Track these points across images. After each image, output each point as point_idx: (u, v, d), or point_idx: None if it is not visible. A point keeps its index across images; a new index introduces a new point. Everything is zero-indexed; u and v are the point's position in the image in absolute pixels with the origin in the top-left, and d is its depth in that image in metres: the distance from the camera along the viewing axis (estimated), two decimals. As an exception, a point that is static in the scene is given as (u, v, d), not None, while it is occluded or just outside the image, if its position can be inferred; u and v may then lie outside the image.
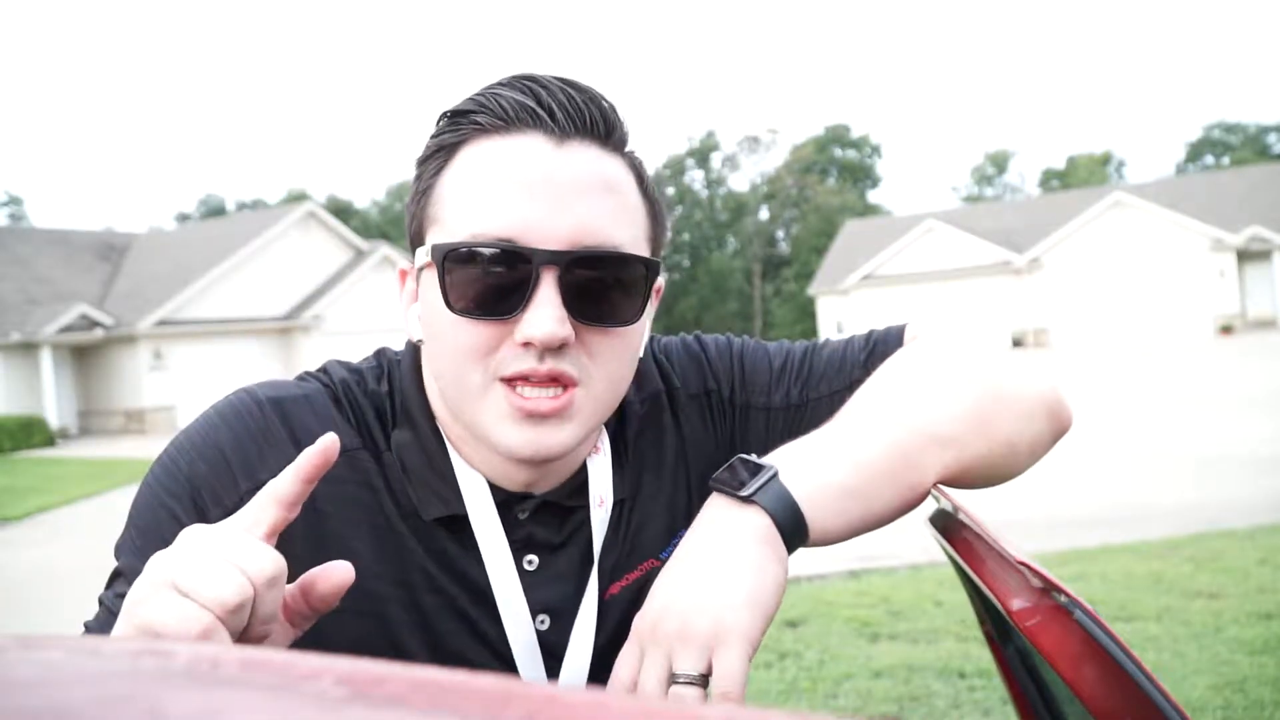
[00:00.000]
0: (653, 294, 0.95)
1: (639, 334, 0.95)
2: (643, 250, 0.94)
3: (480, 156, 0.90)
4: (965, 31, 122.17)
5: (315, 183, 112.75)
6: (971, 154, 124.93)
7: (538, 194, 0.87)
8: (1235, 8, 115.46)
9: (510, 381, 0.88)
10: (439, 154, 0.93)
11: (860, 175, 66.85)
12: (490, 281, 0.87)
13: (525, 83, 0.91)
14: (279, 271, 27.83)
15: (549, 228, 0.86)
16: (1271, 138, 63.35)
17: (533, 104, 0.89)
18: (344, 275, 28.86)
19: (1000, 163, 70.57)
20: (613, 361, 0.92)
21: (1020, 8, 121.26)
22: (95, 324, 25.02)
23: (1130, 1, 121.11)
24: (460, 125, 0.91)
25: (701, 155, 64.42)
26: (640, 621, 0.80)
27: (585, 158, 0.89)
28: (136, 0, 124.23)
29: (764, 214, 62.44)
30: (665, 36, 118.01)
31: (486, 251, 0.87)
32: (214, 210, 66.54)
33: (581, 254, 0.87)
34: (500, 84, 0.92)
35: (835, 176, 65.49)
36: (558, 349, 0.87)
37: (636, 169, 0.95)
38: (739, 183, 64.63)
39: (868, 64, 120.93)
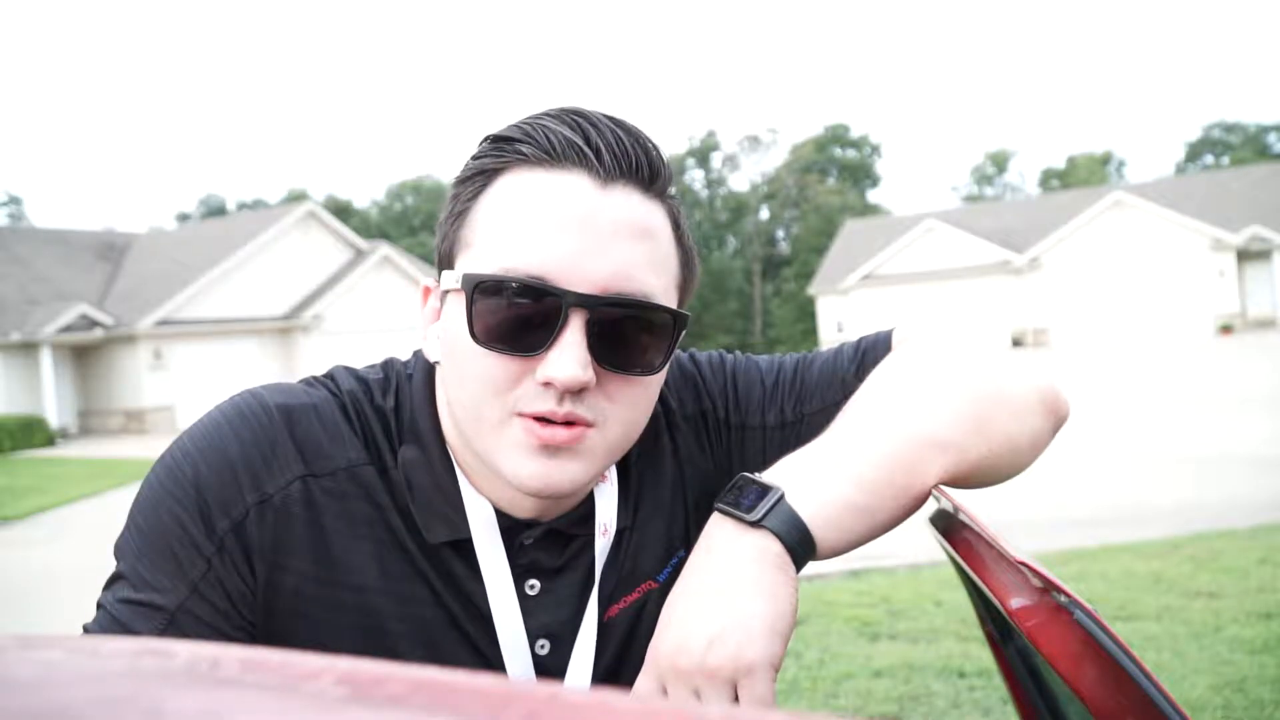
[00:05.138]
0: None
1: (659, 381, 0.95)
2: (672, 298, 0.93)
3: (521, 187, 0.88)
4: (965, 31, 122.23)
5: (315, 183, 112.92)
6: (971, 154, 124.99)
7: (575, 234, 0.86)
8: (1235, 8, 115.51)
9: (527, 416, 0.88)
10: (478, 177, 0.91)
11: (860, 175, 66.84)
12: (517, 317, 0.86)
13: (574, 118, 0.89)
14: (279, 271, 27.82)
15: (583, 270, 0.85)
16: (1271, 137, 63.34)
17: (580, 142, 0.87)
18: (344, 275, 28.85)
19: (1000, 162, 70.58)
20: (630, 408, 0.91)
21: (1020, 8, 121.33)
22: (95, 324, 25.01)
23: (1130, 1, 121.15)
24: (503, 152, 0.90)
25: (701, 155, 64.42)
26: (657, 651, 0.79)
27: (627, 202, 0.88)
28: (136, 0, 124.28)
29: (764, 214, 62.46)
30: (666, 36, 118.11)
31: (517, 287, 0.85)
32: (214, 210, 66.54)
33: (612, 300, 0.86)
34: (548, 115, 0.91)
35: (835, 176, 65.47)
36: (577, 392, 0.86)
37: (674, 216, 0.95)
38: (739, 183, 64.75)
39: (868, 64, 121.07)
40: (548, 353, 0.86)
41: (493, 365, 0.87)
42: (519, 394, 0.87)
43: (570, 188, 0.87)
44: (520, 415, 0.88)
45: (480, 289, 0.87)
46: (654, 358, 0.91)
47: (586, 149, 0.87)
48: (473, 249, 0.90)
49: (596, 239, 0.86)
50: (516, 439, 0.88)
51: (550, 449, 0.87)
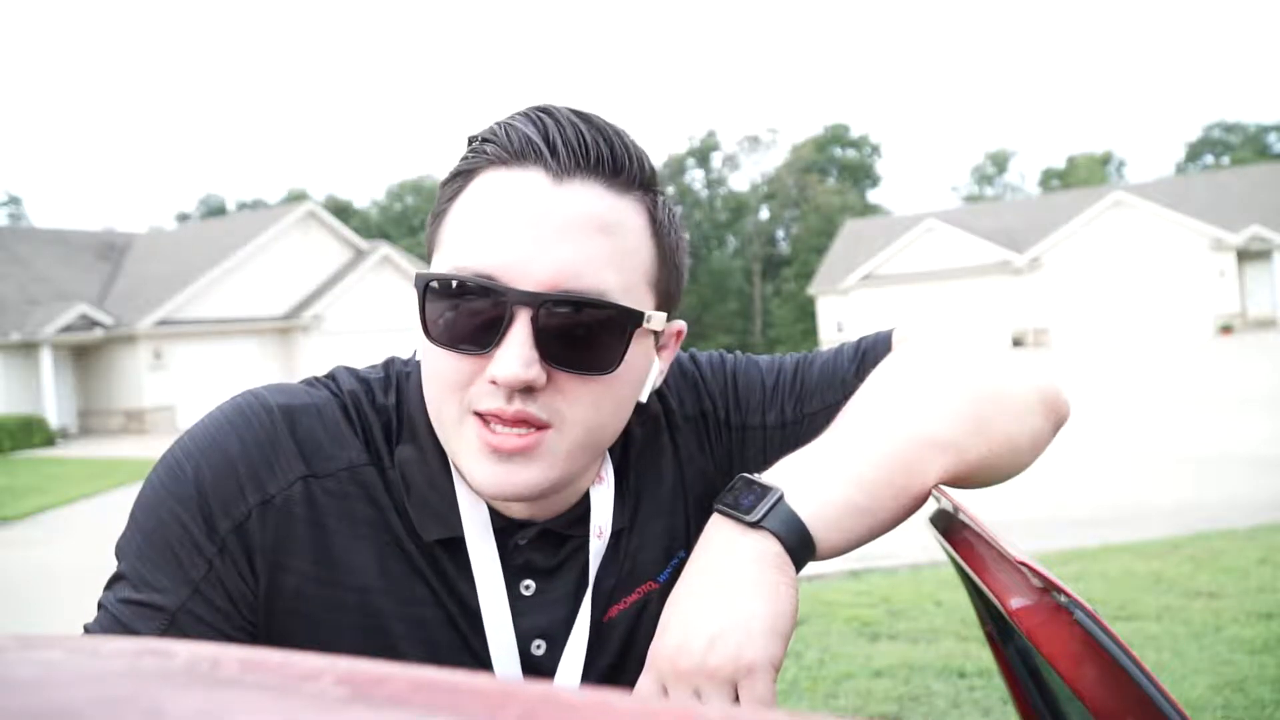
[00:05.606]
0: (635, 340, 0.90)
1: (625, 380, 0.92)
2: (641, 295, 0.91)
3: (485, 188, 0.89)
4: (965, 31, 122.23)
5: (315, 183, 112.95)
6: (971, 154, 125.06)
7: (525, 232, 0.85)
8: (1235, 8, 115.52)
9: (483, 416, 0.88)
10: (457, 179, 0.92)
11: (860, 175, 66.85)
12: (466, 316, 0.86)
13: (538, 114, 0.89)
14: (279, 271, 27.82)
15: (529, 267, 0.85)
16: (1271, 137, 63.34)
17: (538, 138, 0.87)
18: (344, 275, 28.85)
19: (1000, 162, 70.60)
20: (590, 407, 0.89)
21: (1020, 8, 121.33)
22: (95, 324, 25.01)
23: (1130, 1, 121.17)
24: (476, 153, 0.91)
25: (701, 155, 64.41)
26: (658, 653, 0.79)
27: (584, 197, 0.87)
28: (136, 0, 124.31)
29: (764, 214, 62.46)
30: (666, 36, 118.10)
31: (463, 285, 0.86)
32: (214, 210, 66.57)
33: (557, 297, 0.85)
34: (516, 114, 0.91)
35: (835, 176, 65.48)
36: (527, 391, 0.86)
37: (650, 210, 0.93)
38: (739, 183, 64.77)
39: (868, 64, 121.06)
40: (495, 351, 0.86)
41: (447, 363, 0.88)
42: (474, 392, 0.88)
43: (524, 185, 0.87)
44: (475, 414, 0.88)
45: (430, 289, 0.88)
46: (606, 356, 0.89)
47: (543, 145, 0.87)
48: (441, 250, 0.91)
49: (545, 236, 0.86)
50: (471, 441, 0.88)
51: (501, 454, 0.87)
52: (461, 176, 0.92)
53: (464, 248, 0.88)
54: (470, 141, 0.93)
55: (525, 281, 0.85)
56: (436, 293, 0.88)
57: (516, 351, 0.84)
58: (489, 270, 0.85)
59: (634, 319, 0.90)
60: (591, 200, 0.88)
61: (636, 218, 0.91)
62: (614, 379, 0.90)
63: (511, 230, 0.86)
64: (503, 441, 0.86)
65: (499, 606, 0.95)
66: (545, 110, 0.90)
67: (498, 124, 0.91)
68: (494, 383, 0.86)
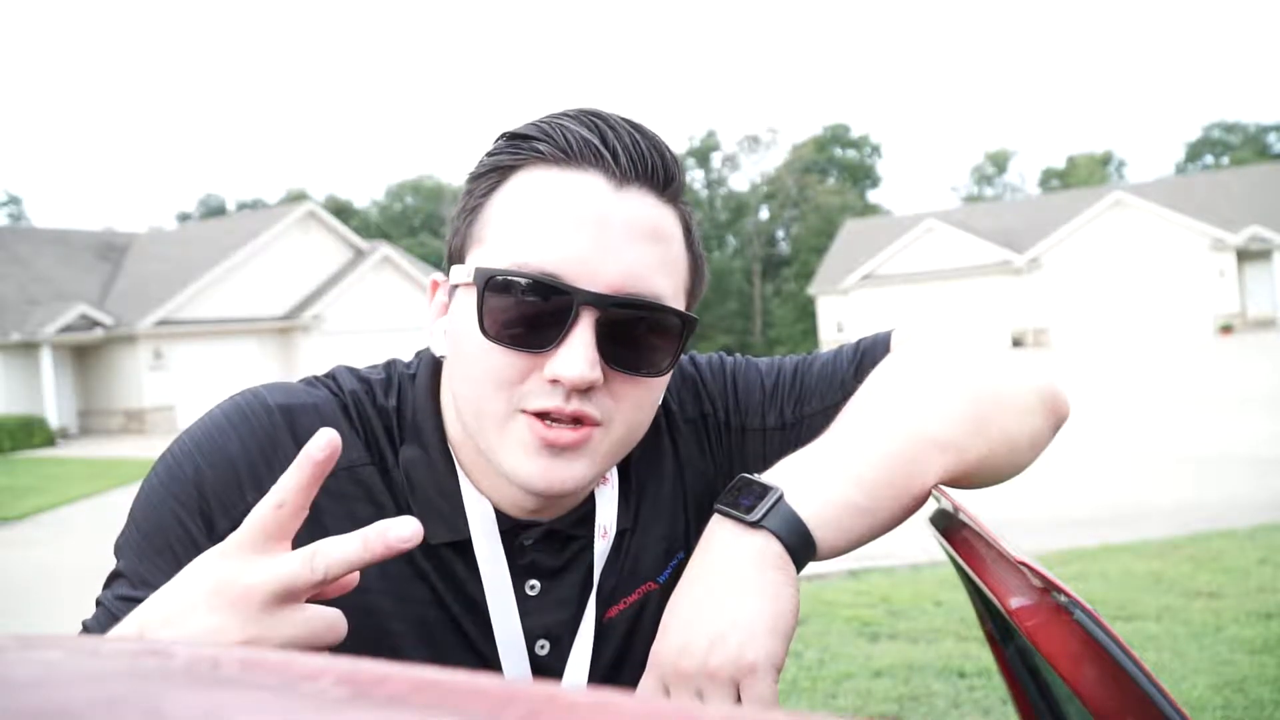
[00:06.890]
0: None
1: (664, 384, 0.95)
2: (680, 302, 0.94)
3: (536, 184, 0.89)
4: (965, 31, 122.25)
5: (315, 183, 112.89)
6: (971, 154, 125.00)
7: (589, 234, 0.86)
8: (1235, 8, 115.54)
9: (534, 413, 0.88)
10: (494, 174, 0.92)
11: (860, 175, 66.88)
12: (528, 313, 0.86)
13: (592, 119, 0.90)
14: (279, 271, 27.82)
15: (595, 269, 0.86)
16: (1271, 138, 63.35)
17: (597, 142, 0.88)
18: (344, 275, 28.85)
19: (1000, 162, 70.59)
20: (635, 408, 0.91)
21: (1020, 8, 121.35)
22: (95, 324, 25.01)
23: (1130, 1, 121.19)
24: (519, 149, 0.91)
25: (702, 155, 64.42)
26: (660, 654, 0.80)
27: (641, 204, 0.89)
28: (136, 0, 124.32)
29: (764, 214, 62.46)
30: (666, 36, 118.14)
31: (528, 283, 0.86)
32: (214, 210, 66.57)
33: (623, 300, 0.86)
34: (566, 115, 0.92)
35: (835, 176, 65.50)
36: (584, 390, 0.87)
37: (685, 221, 0.95)
38: (739, 183, 64.77)
39: (868, 64, 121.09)
40: (557, 350, 0.86)
41: (500, 360, 0.88)
42: (525, 390, 0.88)
43: (585, 187, 0.88)
44: (525, 412, 0.88)
45: (492, 284, 0.87)
46: (661, 359, 0.91)
47: (603, 149, 0.88)
48: (485, 244, 0.90)
49: (610, 239, 0.86)
50: (521, 437, 0.88)
51: (555, 448, 0.87)
52: (499, 171, 0.91)
53: (521, 244, 0.87)
54: (504, 137, 0.93)
55: (593, 282, 0.86)
56: (497, 289, 0.87)
57: (582, 352, 0.85)
58: (554, 269, 0.86)
59: (690, 324, 0.93)
60: (647, 208, 0.89)
61: (677, 227, 0.94)
62: (659, 381, 0.93)
63: (575, 231, 0.86)
64: (559, 436, 0.87)
65: (507, 607, 0.95)
66: (598, 115, 0.91)
67: (547, 123, 0.91)
68: (554, 382, 0.86)
